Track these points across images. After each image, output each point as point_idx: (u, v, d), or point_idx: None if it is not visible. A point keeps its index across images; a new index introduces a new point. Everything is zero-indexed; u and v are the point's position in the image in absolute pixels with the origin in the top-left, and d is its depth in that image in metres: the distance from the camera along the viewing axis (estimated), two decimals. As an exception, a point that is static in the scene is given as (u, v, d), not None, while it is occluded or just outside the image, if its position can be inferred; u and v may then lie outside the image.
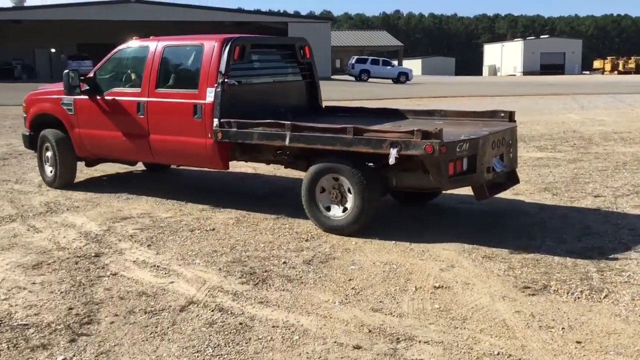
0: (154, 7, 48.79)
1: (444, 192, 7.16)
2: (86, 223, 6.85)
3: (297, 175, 7.77)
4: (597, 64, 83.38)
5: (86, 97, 7.90)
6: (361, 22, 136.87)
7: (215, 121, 6.72)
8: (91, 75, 7.99)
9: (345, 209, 6.21)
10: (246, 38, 7.31)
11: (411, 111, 7.92)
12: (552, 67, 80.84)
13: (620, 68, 75.29)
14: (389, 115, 7.75)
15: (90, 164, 8.95)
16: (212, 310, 4.44)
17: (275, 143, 6.48)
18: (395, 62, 57.23)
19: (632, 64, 75.65)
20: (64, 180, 8.55)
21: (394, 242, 6.02)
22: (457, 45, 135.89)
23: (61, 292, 4.80)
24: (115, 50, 8.08)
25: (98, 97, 7.81)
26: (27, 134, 8.93)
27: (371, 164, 6.19)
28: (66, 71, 8.02)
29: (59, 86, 8.40)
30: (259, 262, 5.48)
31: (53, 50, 50.19)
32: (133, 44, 7.97)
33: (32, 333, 4.08)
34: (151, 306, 4.53)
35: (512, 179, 6.87)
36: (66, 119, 8.22)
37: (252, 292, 4.80)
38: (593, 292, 4.67)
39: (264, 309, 4.47)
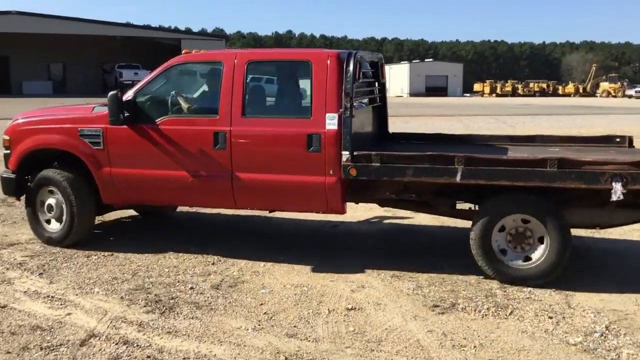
0: (37, 20, 46.41)
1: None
2: (-33, 251, 6.26)
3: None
4: (477, 87, 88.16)
5: (125, 126, 6.04)
6: (254, 41, 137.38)
7: (346, 154, 5.47)
8: (130, 97, 6.10)
9: (531, 258, 5.37)
10: (359, 52, 5.98)
11: (503, 137, 7.01)
12: (436, 89, 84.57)
13: (498, 91, 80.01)
14: (480, 143, 6.80)
15: (104, 209, 6.92)
16: (117, 344, 4.16)
17: (440, 180, 5.40)
18: (289, 82, 57.63)
19: (508, 87, 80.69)
20: (81, 235, 6.48)
21: (302, 264, 5.96)
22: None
23: (-59, 330, 4.32)
24: (165, 67, 6.24)
25: (145, 127, 6.03)
26: (12, 176, 6.57)
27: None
28: (114, 92, 5.99)
29: (69, 111, 6.69)
30: (164, 289, 5.22)
31: None
32: (192, 59, 6.44)
33: None
34: (47, 341, 4.17)
35: None
36: (89, 156, 6.21)
37: (158, 321, 4.55)
38: (499, 309, 4.82)
39: (173, 340, 4.24)
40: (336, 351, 4.09)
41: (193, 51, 6.55)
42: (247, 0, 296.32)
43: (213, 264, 5.92)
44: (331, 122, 5.54)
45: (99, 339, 4.23)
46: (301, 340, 4.26)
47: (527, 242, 5.37)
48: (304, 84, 5.90)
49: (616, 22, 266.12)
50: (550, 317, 4.66)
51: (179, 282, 5.41)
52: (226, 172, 5.82)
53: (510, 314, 4.73)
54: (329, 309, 4.81)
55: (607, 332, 4.40)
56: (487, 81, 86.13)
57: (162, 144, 5.96)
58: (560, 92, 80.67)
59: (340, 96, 5.52)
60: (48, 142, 6.39)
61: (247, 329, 4.43)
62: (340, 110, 5.49)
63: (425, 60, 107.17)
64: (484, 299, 5.04)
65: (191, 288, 5.24)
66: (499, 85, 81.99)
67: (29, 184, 6.53)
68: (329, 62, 5.65)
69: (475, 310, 4.80)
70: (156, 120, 6.00)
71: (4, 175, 6.64)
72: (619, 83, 77.86)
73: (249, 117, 5.79)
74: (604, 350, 4.11)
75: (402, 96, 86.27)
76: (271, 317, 4.65)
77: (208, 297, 5.04)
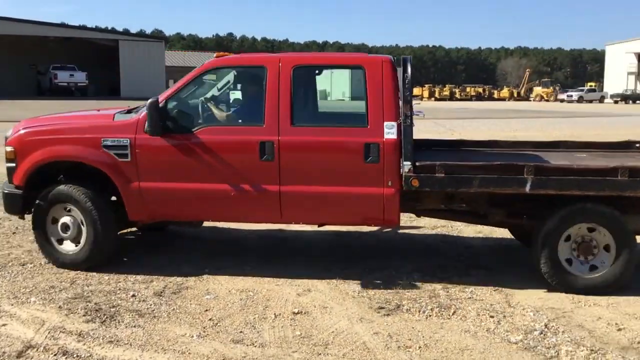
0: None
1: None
2: None
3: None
4: (416, 91, 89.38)
5: (157, 136, 5.50)
6: (194, 43, 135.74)
7: (407, 165, 5.19)
8: (160, 105, 5.55)
9: (597, 267, 5.30)
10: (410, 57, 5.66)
11: (527, 142, 7.00)
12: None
13: (437, 95, 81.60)
14: (508, 151, 6.74)
15: (124, 227, 6.26)
16: (55, 354, 4.02)
17: (508, 190, 5.22)
18: (230, 84, 57.17)
19: (446, 92, 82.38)
20: (105, 256, 5.83)
21: (248, 268, 5.90)
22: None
23: None
24: (198, 71, 5.75)
25: (179, 137, 5.54)
26: (17, 192, 5.80)
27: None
28: (154, 100, 5.44)
29: (86, 120, 6.14)
30: (105, 297, 5.08)
31: None
32: (229, 63, 5.96)
33: None
34: (-19, 355, 3.99)
35: None
36: (115, 169, 5.59)
37: (99, 330, 4.42)
38: (442, 310, 4.90)
39: (115, 349, 4.13)
40: (283, 356, 4.07)
41: (215, 55, 5.96)
42: (186, 1, 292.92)
43: (155, 270, 5.79)
44: (390, 131, 5.28)
45: (37, 350, 4.08)
46: (247, 345, 4.22)
47: (593, 251, 5.31)
48: (357, 90, 5.49)
49: (548, 28, 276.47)
50: (492, 316, 4.77)
51: (119, 289, 5.27)
52: (274, 184, 5.45)
53: (453, 314, 4.82)
54: (275, 314, 4.79)
55: (546, 329, 4.53)
56: (426, 85, 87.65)
57: (200, 155, 5.50)
58: (495, 96, 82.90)
59: (398, 103, 5.32)
60: (65, 154, 5.68)
61: (192, 336, 4.35)
62: (400, 118, 5.25)
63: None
64: (428, 299, 5.12)
65: (133, 295, 5.12)
66: (437, 90, 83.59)
67: (38, 201, 5.77)
68: (383, 67, 5.45)
69: (419, 311, 4.87)
70: (192, 130, 5.53)
71: (7, 191, 5.87)
72: (551, 87, 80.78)
73: (298, 126, 5.46)
74: (544, 348, 4.23)
75: (343, 100, 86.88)
76: (216, 323, 4.59)
77: (150, 305, 4.93)
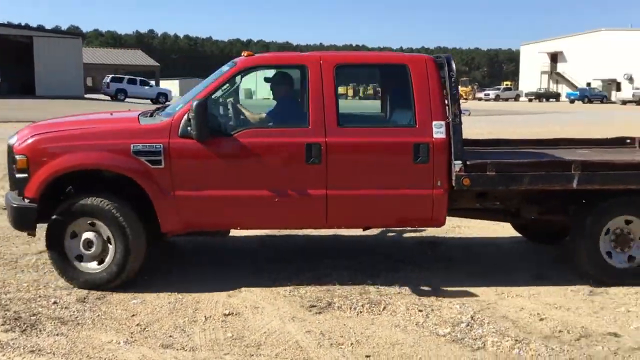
0: None
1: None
2: None
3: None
4: (341, 90, 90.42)
5: (192, 140, 5.07)
6: (113, 40, 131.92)
7: (458, 164, 5.14)
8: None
9: (635, 257, 5.50)
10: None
11: (529, 141, 7.18)
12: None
13: (361, 94, 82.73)
14: (514, 149, 6.76)
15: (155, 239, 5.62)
16: (-29, 368, 3.80)
17: (555, 186, 5.28)
18: (153, 82, 56.00)
19: (370, 91, 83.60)
20: (134, 273, 5.31)
21: (176, 271, 5.78)
22: (214, 67, 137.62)
23: None
24: (232, 72, 5.45)
25: (218, 140, 5.17)
26: (32, 205, 5.12)
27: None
28: (201, 101, 5.01)
29: (108, 124, 5.70)
30: (24, 305, 4.85)
31: None
32: (265, 62, 5.82)
33: None
34: None
35: None
36: (147, 177, 5.11)
37: (19, 340, 4.21)
38: (373, 306, 4.96)
39: (37, 359, 3.95)
40: (215, 359, 4.01)
41: (244, 54, 5.63)
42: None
43: (78, 275, 5.57)
44: (439, 131, 5.20)
45: (-50, 364, 3.85)
46: (177, 350, 4.13)
47: (630, 242, 5.50)
48: (401, 90, 5.48)
49: (466, 29, 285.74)
50: (420, 311, 4.86)
51: (40, 296, 5.04)
52: (320, 188, 5.23)
53: (383, 310, 4.88)
54: (205, 316, 4.71)
55: (472, 321, 4.66)
56: (351, 85, 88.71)
57: (241, 159, 5.21)
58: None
59: (444, 102, 5.29)
60: (90, 161, 5.11)
61: (119, 343, 4.22)
62: (448, 117, 5.22)
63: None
64: (359, 296, 5.16)
65: (54, 302, 4.91)
66: (361, 89, 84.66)
67: (55, 216, 5.19)
68: (427, 66, 5.37)
69: (350, 308, 4.90)
70: (232, 133, 5.21)
71: (16, 205, 5.17)
72: (469, 86, 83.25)
73: (346, 127, 5.28)
74: (471, 340, 4.35)
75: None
76: (144, 329, 4.46)
77: (74, 312, 4.74)
